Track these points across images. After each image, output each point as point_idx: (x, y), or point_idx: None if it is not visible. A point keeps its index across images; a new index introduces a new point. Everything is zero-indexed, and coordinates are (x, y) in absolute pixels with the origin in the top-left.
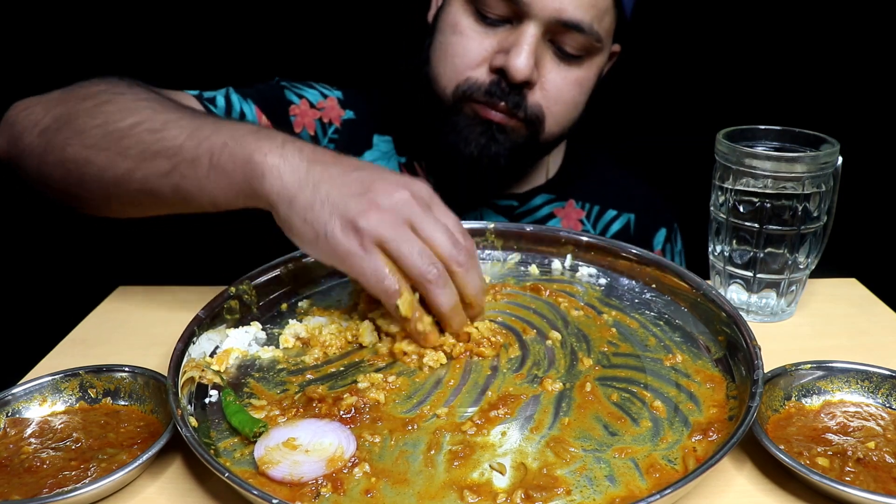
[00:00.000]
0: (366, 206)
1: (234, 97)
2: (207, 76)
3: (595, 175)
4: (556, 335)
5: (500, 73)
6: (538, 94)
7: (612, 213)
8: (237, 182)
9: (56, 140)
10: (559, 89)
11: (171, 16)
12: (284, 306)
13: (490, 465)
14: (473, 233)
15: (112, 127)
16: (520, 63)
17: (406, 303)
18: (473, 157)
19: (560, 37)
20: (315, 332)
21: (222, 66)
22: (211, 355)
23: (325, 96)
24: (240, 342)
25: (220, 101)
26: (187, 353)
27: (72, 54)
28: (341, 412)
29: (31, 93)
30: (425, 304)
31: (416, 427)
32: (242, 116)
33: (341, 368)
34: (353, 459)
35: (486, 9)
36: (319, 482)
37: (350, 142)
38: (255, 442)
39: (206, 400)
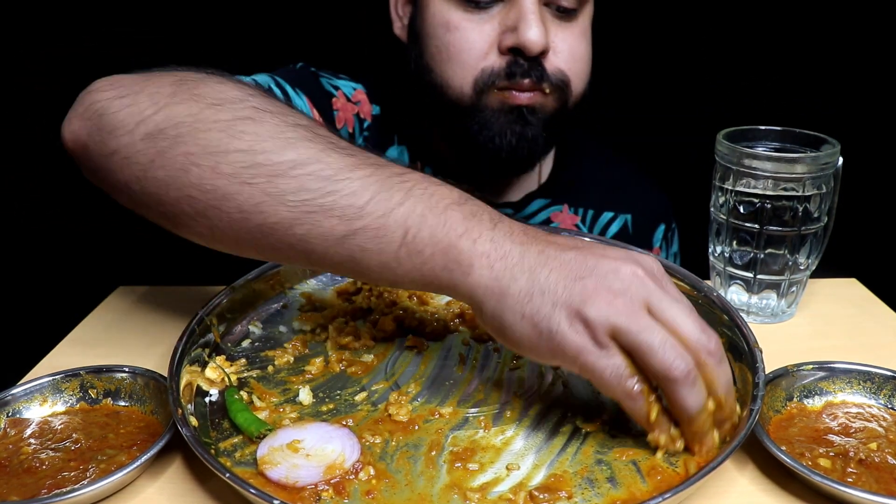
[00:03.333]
0: (593, 290)
1: (288, 88)
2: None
3: (588, 177)
4: None
5: (514, 51)
6: (555, 59)
7: (608, 215)
8: (434, 269)
9: (173, 153)
10: (572, 47)
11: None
12: (285, 305)
13: (492, 467)
14: None
15: (263, 158)
16: (533, 35)
17: (655, 411)
18: (512, 146)
19: None
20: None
21: (221, 46)
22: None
23: (354, 88)
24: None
25: (276, 93)
26: (187, 353)
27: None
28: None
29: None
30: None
31: (417, 428)
32: None
33: (341, 368)
34: (356, 466)
35: None
36: (319, 487)
37: (379, 139)
38: (258, 442)
39: (207, 399)
